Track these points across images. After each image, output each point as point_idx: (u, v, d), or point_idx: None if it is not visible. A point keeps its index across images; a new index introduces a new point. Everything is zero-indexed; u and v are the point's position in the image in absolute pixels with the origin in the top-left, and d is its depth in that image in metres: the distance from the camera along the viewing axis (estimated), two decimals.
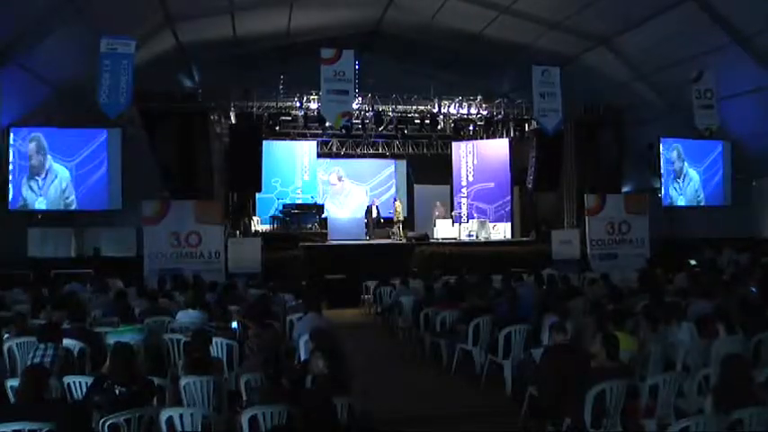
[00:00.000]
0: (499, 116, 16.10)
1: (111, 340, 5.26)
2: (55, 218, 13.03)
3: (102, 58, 10.50)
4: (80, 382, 4.35)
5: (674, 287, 8.52)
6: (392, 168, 19.14)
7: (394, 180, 19.12)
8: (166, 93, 13.23)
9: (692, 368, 4.85)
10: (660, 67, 13.63)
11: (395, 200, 17.65)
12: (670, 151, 15.12)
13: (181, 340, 5.68)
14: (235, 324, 6.24)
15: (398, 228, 16.62)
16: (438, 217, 17.27)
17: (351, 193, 18.85)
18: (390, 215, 17.19)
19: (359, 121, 15.58)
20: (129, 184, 12.47)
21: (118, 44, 10.57)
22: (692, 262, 12.28)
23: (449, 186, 18.52)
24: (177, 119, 13.11)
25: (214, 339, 5.34)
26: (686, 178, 15.26)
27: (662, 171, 14.92)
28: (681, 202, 15.31)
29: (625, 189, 15.87)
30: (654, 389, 4.29)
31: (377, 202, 17.29)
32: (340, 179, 18.69)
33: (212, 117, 14.00)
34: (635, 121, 15.15)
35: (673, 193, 15.15)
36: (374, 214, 16.69)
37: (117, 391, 3.80)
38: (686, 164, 15.27)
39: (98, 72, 10.48)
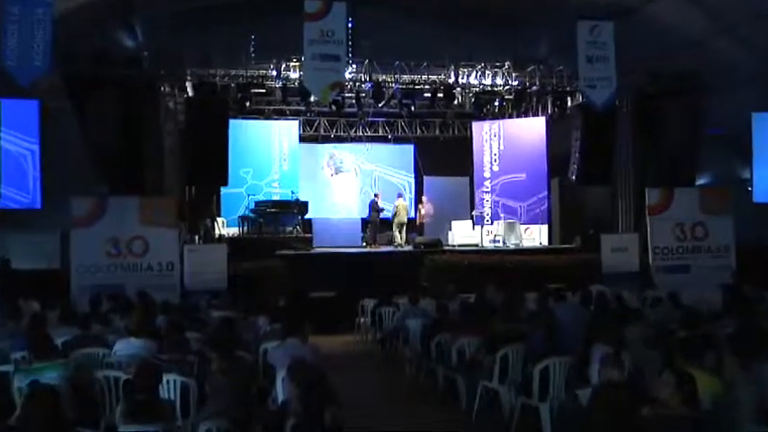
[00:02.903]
0: (533, 88, 16.12)
1: (21, 382, 5.20)
2: None
3: (5, 4, 10.28)
4: None
5: None
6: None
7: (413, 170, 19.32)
8: (101, 55, 13.11)
9: None
10: (753, 16, 13.44)
11: (399, 195, 17.57)
12: None
13: (120, 378, 5.65)
14: None
15: (400, 231, 16.59)
16: (423, 218, 17.24)
17: (342, 185, 18.87)
18: (388, 216, 17.15)
19: (353, 95, 15.59)
20: (51, 175, 12.37)
21: None
22: None
23: (468, 178, 18.56)
24: (116, 90, 13.04)
25: (164, 376, 5.30)
26: None
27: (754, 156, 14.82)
28: None
29: (701, 181, 15.84)
30: None
31: (380, 197, 17.25)
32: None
33: (163, 88, 14.04)
34: (716, 90, 14.98)
35: None
36: (379, 213, 16.67)
37: None
38: None
39: (2, 24, 10.27)
